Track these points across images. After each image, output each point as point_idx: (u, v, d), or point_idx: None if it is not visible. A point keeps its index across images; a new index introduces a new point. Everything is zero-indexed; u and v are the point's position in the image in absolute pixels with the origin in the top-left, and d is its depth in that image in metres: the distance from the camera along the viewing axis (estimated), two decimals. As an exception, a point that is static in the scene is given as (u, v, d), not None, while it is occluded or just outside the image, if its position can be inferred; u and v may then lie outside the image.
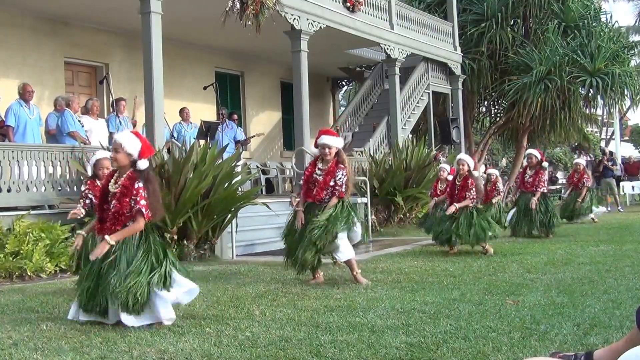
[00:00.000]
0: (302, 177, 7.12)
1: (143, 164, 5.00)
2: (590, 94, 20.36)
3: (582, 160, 15.43)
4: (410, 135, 16.83)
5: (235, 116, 14.44)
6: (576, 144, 25.19)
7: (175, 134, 12.28)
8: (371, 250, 10.21)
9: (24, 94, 9.91)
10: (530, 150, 12.05)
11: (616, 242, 10.08)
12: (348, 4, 13.96)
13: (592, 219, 14.55)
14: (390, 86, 16.25)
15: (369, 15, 14.83)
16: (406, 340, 4.33)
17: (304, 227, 6.79)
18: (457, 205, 8.94)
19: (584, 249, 9.20)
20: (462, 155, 9.64)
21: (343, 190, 6.83)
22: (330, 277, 7.39)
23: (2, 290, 6.97)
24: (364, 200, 12.56)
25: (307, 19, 12.65)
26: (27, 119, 9.82)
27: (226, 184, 9.41)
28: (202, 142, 10.60)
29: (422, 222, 11.17)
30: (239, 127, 14.28)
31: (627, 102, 22.51)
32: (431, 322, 4.87)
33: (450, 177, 10.00)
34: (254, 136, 15.34)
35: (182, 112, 12.73)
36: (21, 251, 7.83)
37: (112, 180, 5.06)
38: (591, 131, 34.18)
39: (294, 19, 12.35)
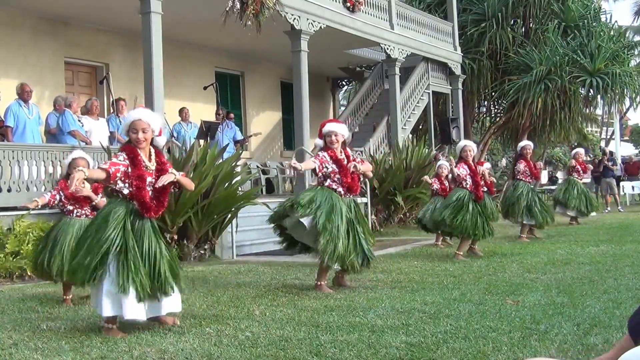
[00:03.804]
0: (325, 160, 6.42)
1: (162, 141, 5.07)
2: (590, 94, 20.37)
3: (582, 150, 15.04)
4: (410, 135, 16.83)
5: (232, 115, 14.44)
6: (576, 143, 25.21)
7: (175, 134, 12.28)
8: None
9: (23, 94, 9.91)
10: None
11: (616, 242, 10.07)
12: (348, 4, 13.96)
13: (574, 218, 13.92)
14: (390, 86, 16.24)
15: (369, 15, 14.83)
16: (406, 340, 4.33)
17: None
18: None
19: (584, 249, 9.20)
20: (468, 142, 9.35)
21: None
22: (330, 276, 7.38)
23: (2, 290, 6.97)
24: (364, 200, 12.56)
25: (307, 19, 12.65)
26: (26, 119, 9.81)
27: (226, 184, 9.42)
28: (202, 142, 10.60)
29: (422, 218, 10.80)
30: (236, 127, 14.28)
31: (627, 102, 22.50)
32: (431, 322, 4.87)
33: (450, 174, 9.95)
34: (251, 136, 15.31)
35: (182, 112, 12.73)
36: (21, 251, 7.83)
37: (145, 159, 4.88)
38: (591, 131, 34.20)
39: (294, 19, 12.35)
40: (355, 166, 6.35)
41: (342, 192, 6.43)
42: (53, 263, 5.91)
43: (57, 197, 6.18)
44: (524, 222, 11.01)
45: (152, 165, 4.90)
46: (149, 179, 4.86)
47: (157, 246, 4.88)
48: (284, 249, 6.99)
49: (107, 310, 4.74)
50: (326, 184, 6.43)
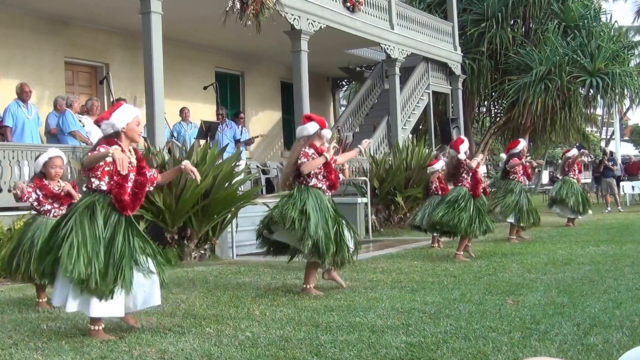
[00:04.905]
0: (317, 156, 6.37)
1: None
2: (590, 94, 20.38)
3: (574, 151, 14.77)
4: (410, 135, 16.82)
5: (242, 115, 14.48)
6: (577, 144, 25.21)
7: (175, 134, 12.29)
8: (371, 250, 10.21)
9: (22, 94, 9.91)
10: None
11: (616, 242, 10.07)
12: (348, 4, 13.96)
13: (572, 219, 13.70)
14: (390, 86, 16.24)
15: (369, 15, 14.83)
16: (406, 340, 4.33)
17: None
18: None
19: (584, 249, 9.20)
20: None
21: None
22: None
23: (2, 290, 6.97)
24: (364, 200, 12.57)
25: (307, 19, 12.65)
26: (25, 119, 9.81)
27: (226, 184, 9.41)
28: (202, 142, 10.60)
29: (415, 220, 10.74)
30: (244, 127, 14.28)
31: (627, 102, 22.52)
32: (431, 322, 4.88)
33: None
34: (257, 137, 15.32)
35: (182, 112, 12.74)
36: (21, 251, 7.81)
37: (129, 155, 4.83)
38: (591, 131, 34.21)
39: (294, 19, 12.35)
40: (335, 160, 6.48)
41: (325, 189, 6.41)
42: (32, 265, 5.66)
43: (33, 195, 5.95)
44: (511, 221, 10.95)
45: (134, 161, 4.89)
46: (131, 175, 4.83)
47: (129, 241, 4.78)
48: (266, 254, 6.82)
49: (97, 310, 4.64)
50: (311, 183, 6.36)
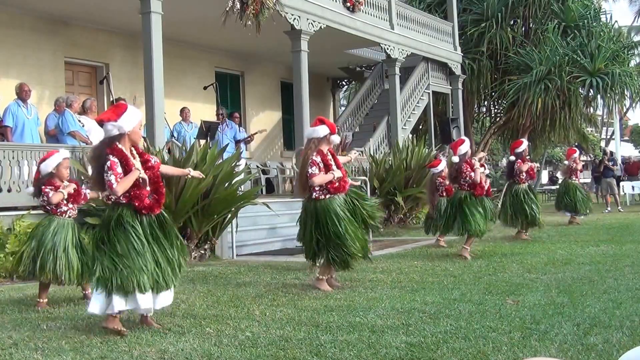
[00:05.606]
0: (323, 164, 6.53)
1: None
2: (590, 94, 20.38)
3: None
4: (410, 135, 16.83)
5: (237, 114, 14.45)
6: (576, 143, 25.21)
7: (175, 134, 12.28)
8: (371, 250, 10.19)
9: (21, 94, 9.90)
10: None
11: (616, 242, 10.07)
12: (348, 4, 13.96)
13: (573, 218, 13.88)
14: (390, 86, 16.25)
15: (369, 15, 14.83)
16: (406, 340, 4.34)
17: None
18: None
19: (584, 249, 9.20)
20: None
21: None
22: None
23: (2, 290, 6.97)
24: (364, 200, 12.54)
25: (307, 19, 12.65)
26: (24, 119, 9.79)
27: (226, 184, 9.42)
28: (202, 142, 10.60)
29: (427, 224, 10.91)
30: (240, 127, 14.27)
31: (627, 102, 22.51)
32: (431, 322, 4.88)
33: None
34: (256, 133, 15.31)
35: (182, 112, 12.73)
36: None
37: (131, 158, 4.91)
38: (591, 131, 34.20)
39: (294, 19, 12.35)
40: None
41: (331, 196, 6.47)
42: (57, 265, 5.85)
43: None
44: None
45: (137, 162, 4.93)
46: (142, 175, 4.92)
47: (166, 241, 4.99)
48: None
49: (121, 305, 4.77)
50: (314, 196, 6.46)
